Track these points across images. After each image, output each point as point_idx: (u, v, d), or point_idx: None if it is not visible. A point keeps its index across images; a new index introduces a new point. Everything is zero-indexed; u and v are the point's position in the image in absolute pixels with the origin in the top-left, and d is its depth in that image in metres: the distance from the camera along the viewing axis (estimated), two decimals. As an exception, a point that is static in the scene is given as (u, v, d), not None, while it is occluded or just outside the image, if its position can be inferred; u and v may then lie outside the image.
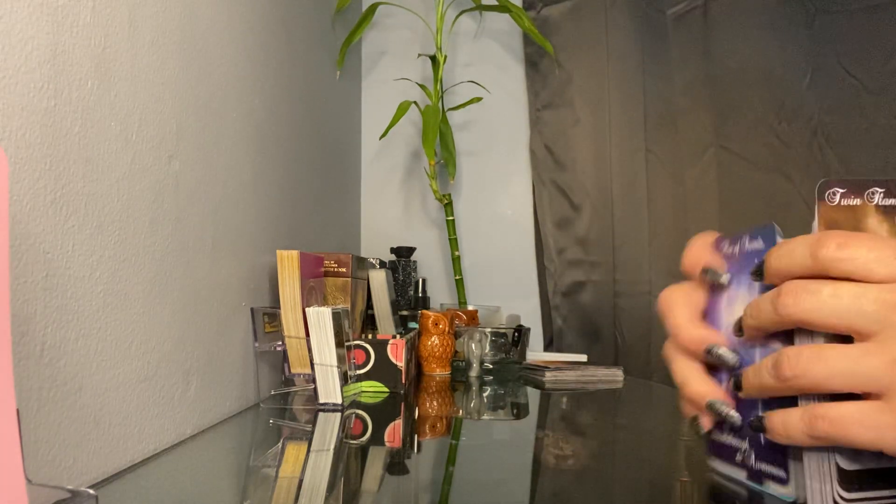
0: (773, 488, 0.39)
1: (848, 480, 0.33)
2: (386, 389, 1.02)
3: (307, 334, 0.88)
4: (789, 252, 0.34)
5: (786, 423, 0.34)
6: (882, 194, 0.34)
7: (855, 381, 0.31)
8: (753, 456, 0.40)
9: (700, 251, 0.44)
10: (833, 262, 0.31)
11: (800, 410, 0.33)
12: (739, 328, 0.39)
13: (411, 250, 1.63)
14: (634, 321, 1.68)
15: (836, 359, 0.31)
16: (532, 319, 1.74)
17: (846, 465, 0.33)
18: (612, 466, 0.70)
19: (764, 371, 0.35)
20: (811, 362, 0.32)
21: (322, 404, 0.87)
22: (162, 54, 0.68)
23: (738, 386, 0.38)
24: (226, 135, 0.85)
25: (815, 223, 0.35)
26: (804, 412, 0.33)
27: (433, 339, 1.25)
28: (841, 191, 0.34)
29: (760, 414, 0.37)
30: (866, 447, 0.31)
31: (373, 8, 1.64)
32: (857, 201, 0.34)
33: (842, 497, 0.33)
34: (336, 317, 0.89)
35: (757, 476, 0.40)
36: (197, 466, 0.66)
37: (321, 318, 0.87)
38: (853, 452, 0.33)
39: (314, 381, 0.87)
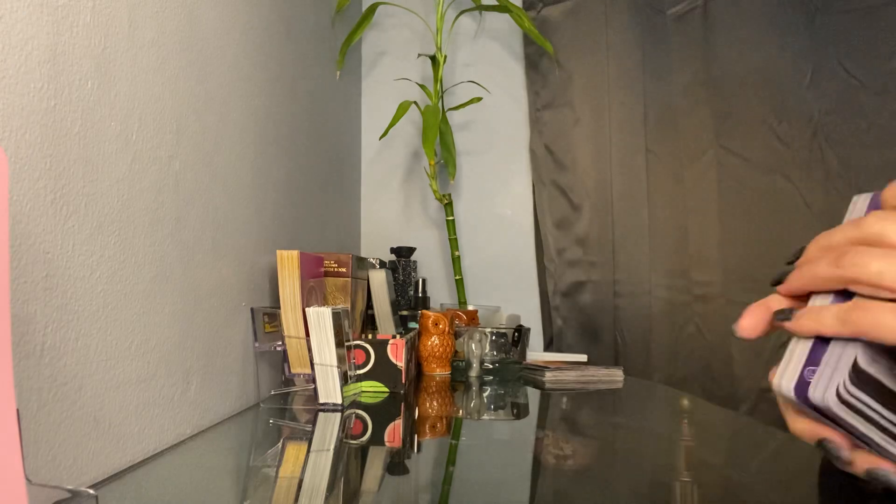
0: None
1: (858, 381, 0.36)
2: (386, 389, 1.02)
3: (307, 334, 0.88)
4: (830, 236, 0.38)
5: (820, 312, 0.37)
6: None
7: None
8: None
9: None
10: (877, 235, 0.35)
11: (840, 304, 0.36)
12: (778, 280, 0.41)
13: (411, 250, 1.63)
14: (634, 321, 1.68)
15: (893, 259, 0.34)
16: (532, 319, 1.74)
17: (864, 362, 0.36)
18: (612, 466, 0.70)
19: (823, 261, 0.38)
20: (872, 258, 0.35)
21: (322, 404, 0.87)
22: (162, 54, 0.68)
23: (777, 281, 0.41)
24: (226, 135, 0.85)
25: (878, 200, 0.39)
26: (845, 304, 0.36)
27: (433, 339, 1.25)
28: None
29: (794, 312, 0.39)
30: (891, 338, 0.34)
31: (373, 8, 1.64)
32: None
33: (846, 389, 0.36)
34: (336, 317, 0.89)
35: None
36: (197, 466, 0.66)
37: (321, 318, 0.87)
38: (874, 354, 0.36)
39: (314, 381, 0.87)
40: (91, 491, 0.39)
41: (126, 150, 0.61)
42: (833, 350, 0.37)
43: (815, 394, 0.36)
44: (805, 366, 0.38)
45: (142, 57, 0.64)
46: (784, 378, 0.38)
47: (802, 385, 0.37)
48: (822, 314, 0.37)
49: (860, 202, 0.42)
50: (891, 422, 0.36)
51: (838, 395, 0.36)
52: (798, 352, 0.39)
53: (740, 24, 1.65)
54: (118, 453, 0.59)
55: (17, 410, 0.33)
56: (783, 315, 0.40)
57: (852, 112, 1.60)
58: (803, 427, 0.41)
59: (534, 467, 0.68)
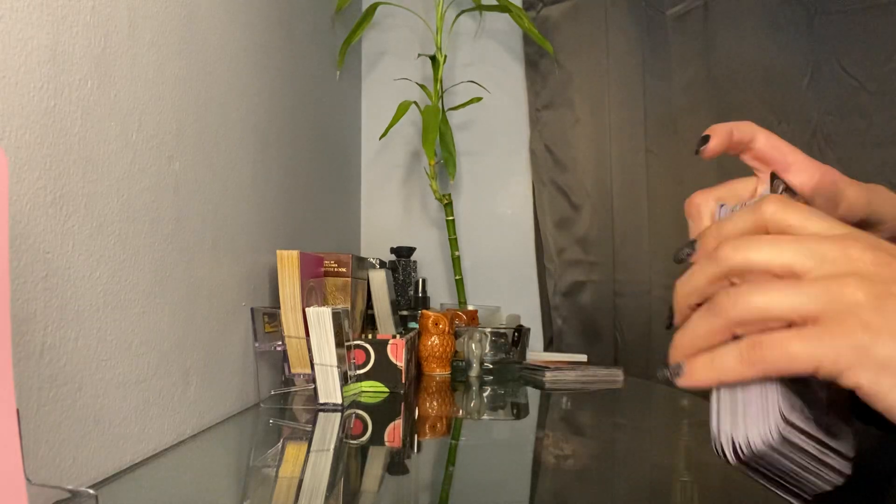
0: None
1: (787, 425, 0.33)
2: (386, 389, 1.02)
3: (307, 334, 0.88)
4: (726, 225, 0.35)
5: (713, 361, 0.33)
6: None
7: (792, 306, 0.31)
8: None
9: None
10: (774, 219, 0.33)
11: (734, 343, 0.33)
12: (670, 319, 0.38)
13: (411, 250, 1.63)
14: (634, 321, 1.68)
15: (774, 288, 0.32)
16: (532, 319, 1.74)
17: (787, 410, 0.33)
18: (612, 466, 0.70)
19: (697, 319, 0.34)
20: (750, 293, 0.32)
21: (322, 404, 0.87)
22: (162, 54, 0.68)
23: (667, 373, 0.36)
24: (226, 135, 0.85)
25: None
26: (740, 344, 0.32)
27: (433, 339, 1.25)
28: (783, 184, 0.39)
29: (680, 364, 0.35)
30: (803, 369, 0.31)
31: (373, 8, 1.64)
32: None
33: (783, 433, 0.32)
34: (336, 317, 0.89)
35: None
36: (197, 466, 0.66)
37: (321, 318, 0.87)
38: (789, 394, 0.33)
39: (314, 381, 0.87)
40: (91, 491, 0.39)
41: (126, 150, 0.61)
42: (747, 392, 0.33)
43: (753, 440, 0.33)
44: (718, 422, 0.34)
45: (142, 57, 0.64)
46: (715, 439, 0.34)
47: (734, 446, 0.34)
48: (718, 359, 0.33)
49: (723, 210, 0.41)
50: (826, 445, 0.33)
51: (781, 437, 0.32)
52: (712, 406, 0.34)
53: (740, 24, 1.65)
54: (118, 453, 0.59)
55: (17, 410, 0.33)
56: (673, 372, 0.35)
57: (852, 112, 1.60)
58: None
59: (534, 467, 0.68)
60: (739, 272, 0.33)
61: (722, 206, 0.41)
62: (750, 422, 0.33)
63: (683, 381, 0.34)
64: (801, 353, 0.31)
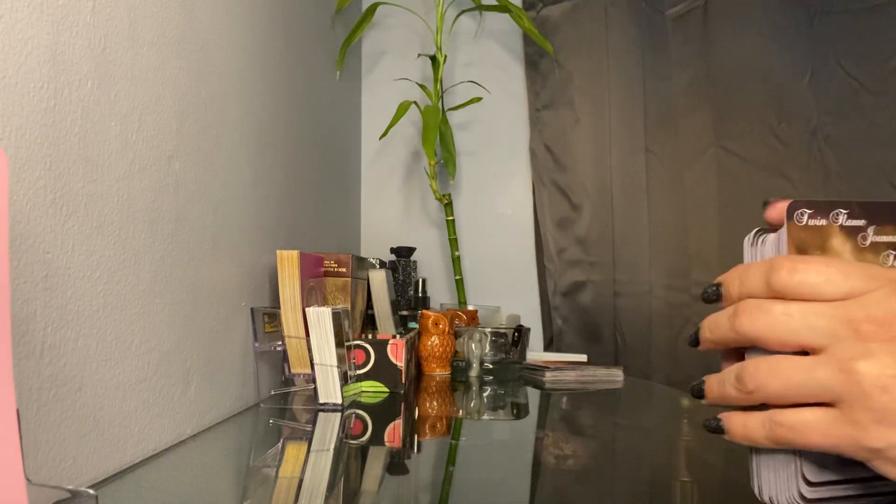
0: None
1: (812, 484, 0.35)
2: (386, 389, 1.02)
3: (307, 334, 0.88)
4: (746, 278, 0.36)
5: (746, 426, 0.36)
6: (846, 215, 0.36)
7: (809, 392, 0.33)
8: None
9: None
10: (785, 287, 0.34)
11: (760, 415, 0.35)
12: (696, 340, 0.40)
13: (411, 250, 1.63)
14: (634, 321, 1.68)
15: (790, 370, 0.33)
16: (532, 319, 1.74)
17: (812, 475, 0.35)
18: (612, 466, 0.70)
19: (727, 383, 0.36)
20: (769, 376, 0.34)
21: (322, 404, 0.87)
22: (162, 54, 0.68)
23: (699, 394, 0.39)
24: (226, 135, 0.85)
25: (784, 241, 0.36)
26: (764, 418, 0.35)
27: (433, 339, 1.25)
28: (809, 212, 0.36)
29: (717, 416, 0.38)
30: (824, 450, 0.33)
31: (373, 8, 1.64)
32: (823, 222, 0.36)
33: (806, 495, 0.35)
34: (336, 317, 0.89)
35: None
36: (197, 466, 0.66)
37: (321, 318, 0.87)
38: (818, 464, 0.35)
39: (314, 381, 0.87)
40: (91, 491, 0.39)
41: (126, 150, 0.61)
42: (776, 465, 0.36)
43: (774, 498, 0.36)
44: (758, 479, 0.37)
45: (142, 57, 0.64)
46: (759, 494, 0.38)
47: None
48: (749, 426, 0.36)
49: (749, 240, 0.40)
50: (865, 480, 0.35)
51: (803, 498, 0.35)
52: (751, 461, 0.38)
53: (740, 24, 1.65)
54: (118, 453, 0.59)
55: (17, 410, 0.33)
56: (715, 428, 0.38)
57: (852, 112, 1.60)
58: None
59: (534, 467, 0.68)
60: (753, 342, 0.35)
61: (758, 231, 0.41)
62: (780, 485, 0.36)
63: (727, 437, 0.37)
64: (821, 441, 0.33)
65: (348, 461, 0.67)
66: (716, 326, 0.37)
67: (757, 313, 0.34)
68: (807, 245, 0.36)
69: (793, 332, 0.33)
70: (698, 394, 0.39)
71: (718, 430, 0.38)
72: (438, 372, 1.26)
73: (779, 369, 0.33)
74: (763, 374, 0.34)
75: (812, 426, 0.33)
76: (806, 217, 0.36)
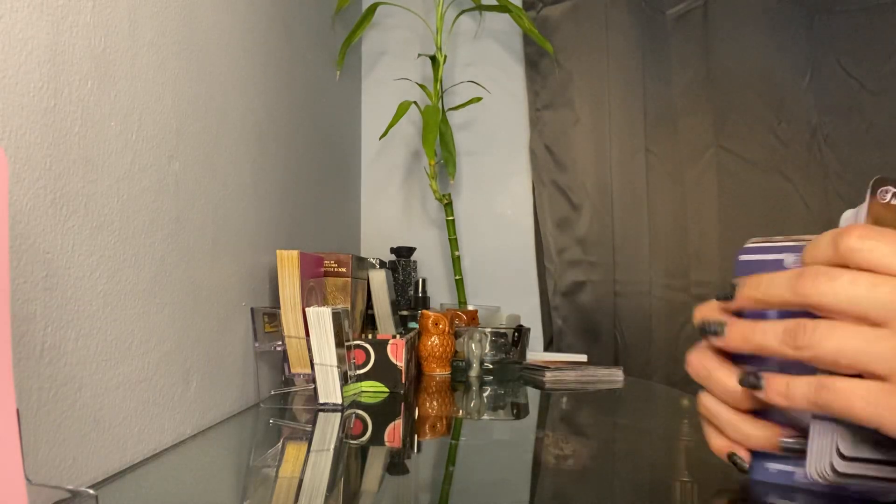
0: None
1: (846, 458, 0.35)
2: (386, 389, 1.02)
3: (307, 334, 0.88)
4: (816, 242, 0.35)
5: (790, 385, 0.35)
6: None
7: (863, 361, 0.32)
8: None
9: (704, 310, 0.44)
10: (853, 251, 0.33)
11: (807, 378, 0.35)
12: (727, 295, 0.39)
13: (411, 250, 1.63)
14: (634, 321, 1.68)
15: (850, 336, 0.32)
16: (532, 319, 1.74)
17: (847, 450, 0.35)
18: (612, 466, 0.70)
19: (770, 333, 0.36)
20: (826, 337, 0.33)
21: (322, 404, 0.87)
22: (162, 54, 0.68)
23: (711, 331, 0.39)
24: (226, 135, 0.85)
25: (863, 216, 0.36)
26: (812, 379, 0.34)
27: (433, 339, 1.25)
28: (893, 190, 0.36)
29: (759, 374, 0.38)
30: (864, 423, 0.33)
31: (373, 8, 1.64)
32: None
33: (835, 469, 0.35)
34: (336, 317, 0.89)
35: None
36: (197, 466, 0.66)
37: (321, 318, 0.87)
38: (854, 439, 0.35)
39: (314, 381, 0.87)
40: (91, 491, 0.39)
41: (126, 150, 0.61)
42: (813, 435, 0.37)
43: (811, 473, 0.36)
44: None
45: (142, 57, 0.64)
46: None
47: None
48: (792, 388, 0.35)
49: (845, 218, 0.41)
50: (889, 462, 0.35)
51: (835, 472, 0.35)
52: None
53: (740, 24, 1.65)
54: (118, 453, 0.59)
55: (17, 410, 0.33)
56: (754, 384, 0.38)
57: (851, 112, 1.60)
58: (720, 445, 0.43)
59: (534, 467, 0.68)
60: (813, 307, 0.34)
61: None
62: (813, 455, 0.36)
63: (761, 395, 0.37)
64: (863, 411, 0.32)
65: (348, 461, 0.67)
66: (772, 284, 0.36)
67: (823, 278, 0.33)
68: (886, 223, 0.35)
69: (855, 302, 0.32)
70: (713, 330, 0.39)
71: (755, 385, 0.37)
72: (438, 372, 1.26)
73: (838, 333, 0.33)
74: (820, 333, 0.33)
75: (859, 394, 0.32)
76: (889, 195, 0.35)
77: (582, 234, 1.73)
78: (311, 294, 0.98)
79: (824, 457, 0.35)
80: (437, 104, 1.63)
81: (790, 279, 0.35)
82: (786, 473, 0.43)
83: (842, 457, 0.35)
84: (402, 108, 1.55)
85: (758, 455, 0.43)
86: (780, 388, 0.36)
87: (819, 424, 0.36)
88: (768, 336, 0.36)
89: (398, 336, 1.08)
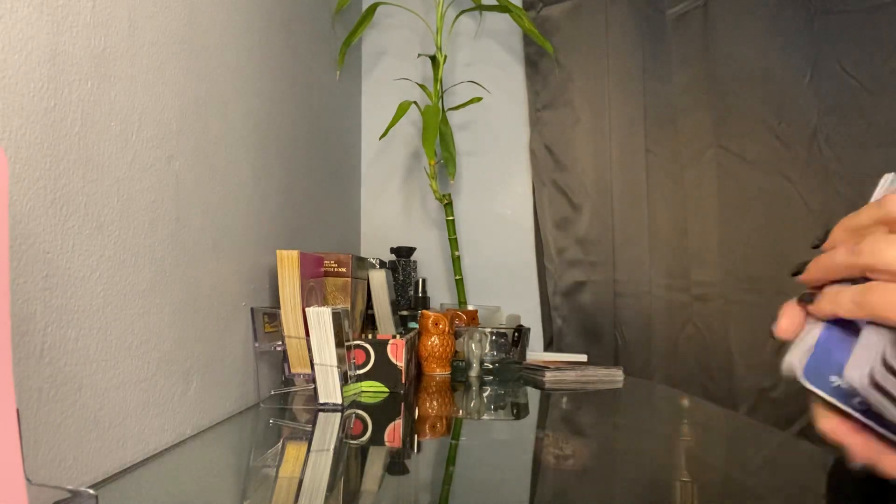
0: None
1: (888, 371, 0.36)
2: (386, 389, 1.02)
3: (307, 334, 0.88)
4: (864, 209, 0.38)
5: (838, 293, 0.38)
6: None
7: None
8: None
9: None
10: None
11: (855, 286, 0.37)
12: (799, 270, 0.42)
13: (411, 250, 1.63)
14: (634, 321, 1.68)
15: None
16: (532, 319, 1.74)
17: (891, 356, 0.36)
18: (612, 466, 0.70)
19: (838, 253, 0.39)
20: (888, 247, 0.36)
21: (322, 404, 0.87)
22: (162, 54, 0.68)
23: (797, 272, 0.42)
24: (226, 135, 0.85)
25: None
26: (859, 286, 0.37)
27: (433, 339, 1.25)
28: None
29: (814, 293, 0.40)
30: None
31: (373, 8, 1.64)
32: None
33: (876, 376, 0.36)
34: (336, 317, 0.89)
35: None
36: (197, 466, 0.66)
37: (321, 318, 0.87)
38: None
39: (314, 381, 0.87)
40: (91, 491, 0.39)
41: (126, 150, 0.61)
42: (866, 335, 0.37)
43: (850, 374, 0.37)
44: (816, 347, 0.39)
45: (142, 57, 0.64)
46: (794, 358, 0.39)
47: (810, 369, 0.38)
48: (840, 296, 0.38)
49: (889, 180, 0.42)
50: None
51: (872, 379, 0.36)
52: (811, 335, 0.39)
53: (740, 24, 1.66)
54: (118, 453, 0.59)
55: (17, 410, 0.33)
56: (807, 298, 0.40)
57: (852, 112, 1.60)
58: (831, 426, 0.41)
59: (534, 467, 0.68)
60: (871, 270, 0.37)
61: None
62: (860, 361, 0.37)
63: (812, 309, 0.40)
64: None
65: (348, 461, 0.67)
66: (832, 255, 0.39)
67: (883, 244, 0.36)
68: None
69: None
70: (797, 271, 0.42)
71: (809, 299, 0.40)
72: (438, 372, 1.26)
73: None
74: (882, 243, 0.36)
75: None
76: None
77: (582, 234, 1.73)
78: (311, 294, 0.98)
79: (867, 361, 0.36)
80: (437, 104, 1.63)
81: (848, 247, 0.38)
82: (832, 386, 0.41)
83: (885, 366, 0.35)
84: (402, 108, 1.55)
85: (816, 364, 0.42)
86: (830, 297, 0.38)
87: (871, 330, 0.37)
88: (838, 252, 0.38)
89: (398, 336, 1.08)
